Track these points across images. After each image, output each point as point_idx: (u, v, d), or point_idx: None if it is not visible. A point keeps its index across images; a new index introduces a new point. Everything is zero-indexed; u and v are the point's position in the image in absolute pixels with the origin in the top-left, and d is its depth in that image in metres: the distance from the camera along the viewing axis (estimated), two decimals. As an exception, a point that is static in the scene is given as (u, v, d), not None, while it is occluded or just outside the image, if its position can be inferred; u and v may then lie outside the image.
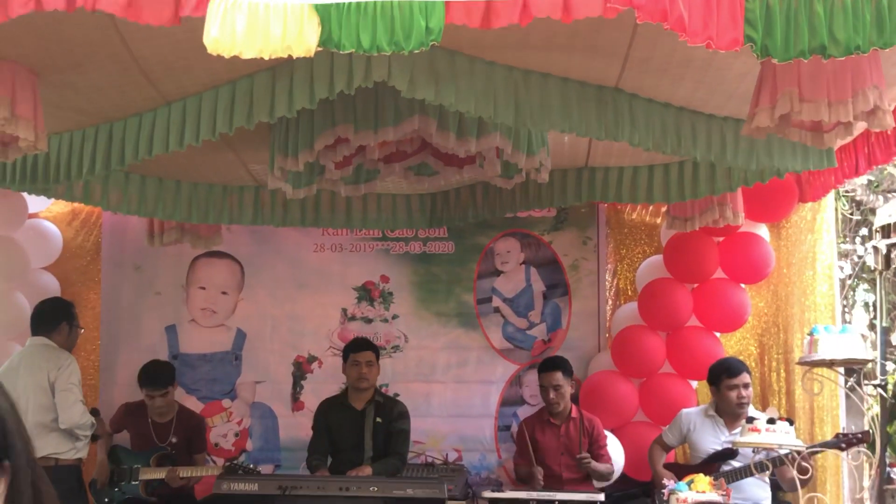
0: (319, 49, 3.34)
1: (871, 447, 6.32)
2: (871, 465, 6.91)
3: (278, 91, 4.44)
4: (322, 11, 3.30)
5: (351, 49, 3.35)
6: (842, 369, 6.38)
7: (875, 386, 6.60)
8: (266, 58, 3.34)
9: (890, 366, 6.53)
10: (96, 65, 4.46)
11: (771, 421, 5.34)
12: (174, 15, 3.34)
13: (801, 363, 6.32)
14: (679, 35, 3.05)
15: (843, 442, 5.84)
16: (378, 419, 6.33)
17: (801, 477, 5.42)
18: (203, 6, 3.26)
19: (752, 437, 5.30)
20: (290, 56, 3.36)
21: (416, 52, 3.41)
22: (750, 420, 5.46)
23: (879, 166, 6.85)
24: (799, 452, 5.42)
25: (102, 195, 6.26)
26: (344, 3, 3.33)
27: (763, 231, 6.99)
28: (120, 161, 5.04)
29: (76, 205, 7.23)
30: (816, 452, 5.91)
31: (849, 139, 5.34)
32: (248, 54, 3.27)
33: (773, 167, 5.20)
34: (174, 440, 6.46)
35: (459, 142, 5.00)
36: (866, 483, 7.20)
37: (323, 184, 5.78)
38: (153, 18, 3.36)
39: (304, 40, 3.28)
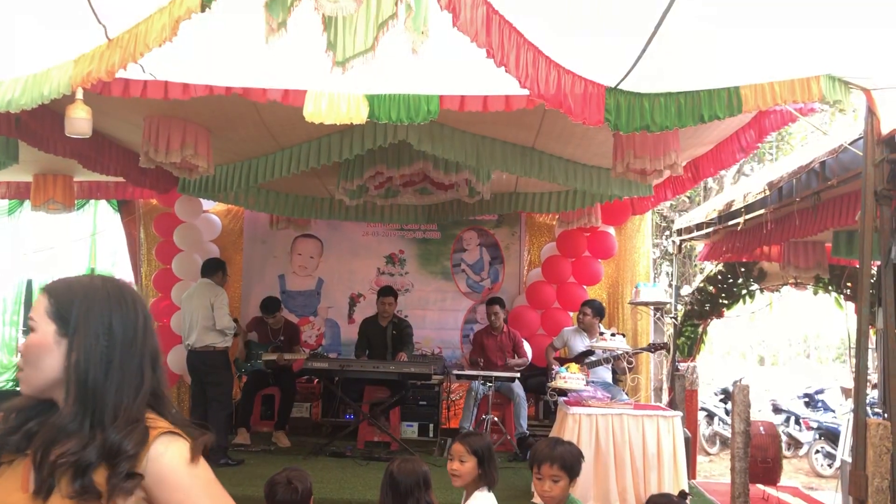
0: (368, 120, 3.32)
1: (668, 351, 6.39)
2: (667, 361, 6.96)
3: (344, 144, 4.43)
4: (370, 98, 3.28)
5: (385, 120, 3.33)
6: (653, 308, 6.44)
7: (671, 318, 6.65)
8: (338, 124, 3.32)
9: (679, 307, 6.58)
10: (242, 126, 4.44)
11: (613, 334, 5.38)
12: (284, 97, 3.31)
13: (631, 304, 6.36)
14: (568, 116, 3.04)
15: (652, 348, 5.91)
16: (394, 332, 6.30)
17: (629, 366, 5.48)
18: (300, 96, 3.24)
19: (602, 344, 5.34)
20: (351, 123, 3.34)
21: (422, 123, 3.39)
22: (601, 333, 5.51)
23: (677, 195, 6.87)
24: (628, 353, 5.47)
25: (244, 200, 6.23)
26: (382, 95, 3.31)
27: (611, 230, 6.99)
28: (254, 181, 5.02)
29: (229, 205, 7.18)
30: (638, 353, 5.97)
31: (660, 180, 5.37)
32: (328, 122, 3.26)
33: (617, 194, 5.22)
34: (282, 338, 6.43)
35: (445, 176, 5.00)
36: (664, 371, 7.27)
37: (367, 197, 5.76)
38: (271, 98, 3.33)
39: (359, 115, 3.27)
